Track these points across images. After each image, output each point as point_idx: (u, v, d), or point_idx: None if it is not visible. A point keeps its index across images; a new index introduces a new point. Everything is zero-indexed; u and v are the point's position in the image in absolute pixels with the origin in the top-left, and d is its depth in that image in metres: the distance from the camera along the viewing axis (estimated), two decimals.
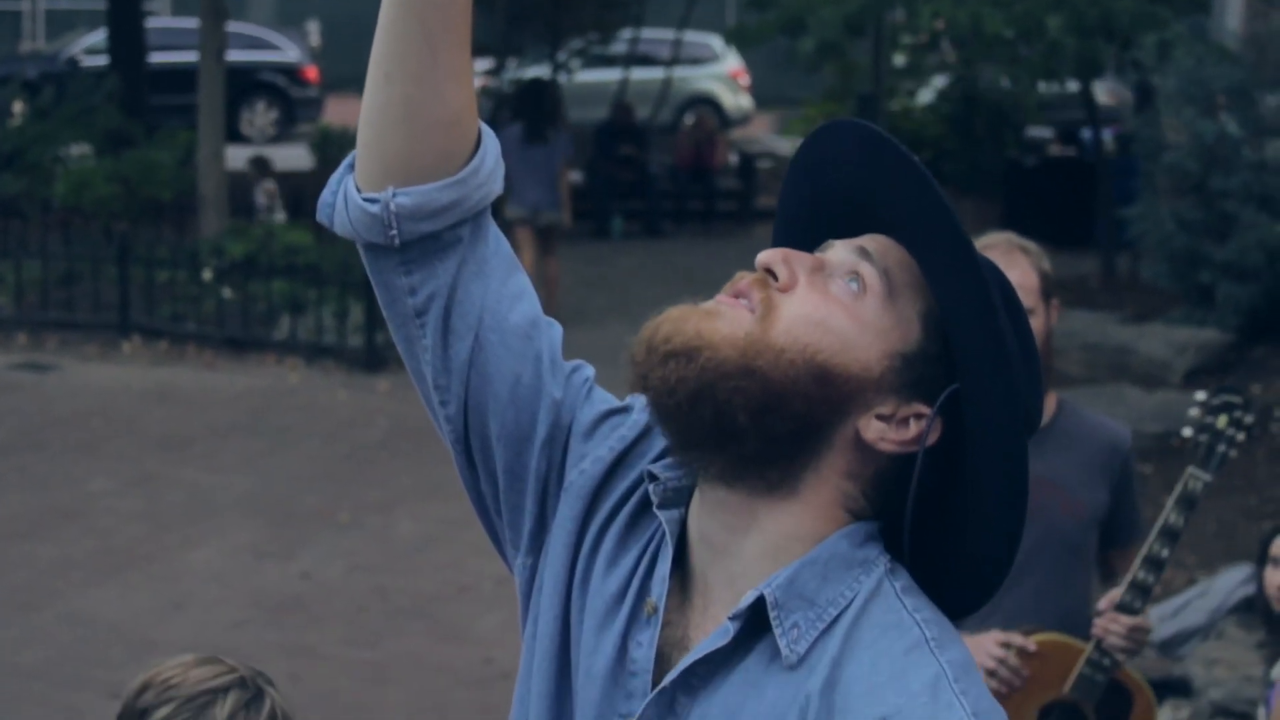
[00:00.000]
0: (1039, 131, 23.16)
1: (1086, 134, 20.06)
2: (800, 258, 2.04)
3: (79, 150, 19.71)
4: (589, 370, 2.27)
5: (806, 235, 2.14)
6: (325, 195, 2.19)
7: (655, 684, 2.02)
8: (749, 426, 1.97)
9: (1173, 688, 7.43)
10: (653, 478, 2.10)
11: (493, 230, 2.20)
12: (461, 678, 8.07)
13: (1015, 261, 4.39)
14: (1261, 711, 5.98)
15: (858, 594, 1.98)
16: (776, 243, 2.16)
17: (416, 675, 8.11)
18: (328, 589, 9.19)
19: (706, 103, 30.19)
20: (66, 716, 7.42)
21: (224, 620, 8.45)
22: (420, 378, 2.20)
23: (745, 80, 32.12)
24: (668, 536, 2.06)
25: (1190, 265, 13.23)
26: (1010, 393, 1.97)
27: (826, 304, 2.00)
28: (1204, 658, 7.58)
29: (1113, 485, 4.56)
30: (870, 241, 2.05)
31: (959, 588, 2.07)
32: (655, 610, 2.04)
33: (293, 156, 25.65)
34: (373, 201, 2.12)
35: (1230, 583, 8.35)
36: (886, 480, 2.03)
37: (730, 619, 1.98)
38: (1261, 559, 5.90)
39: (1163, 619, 8.13)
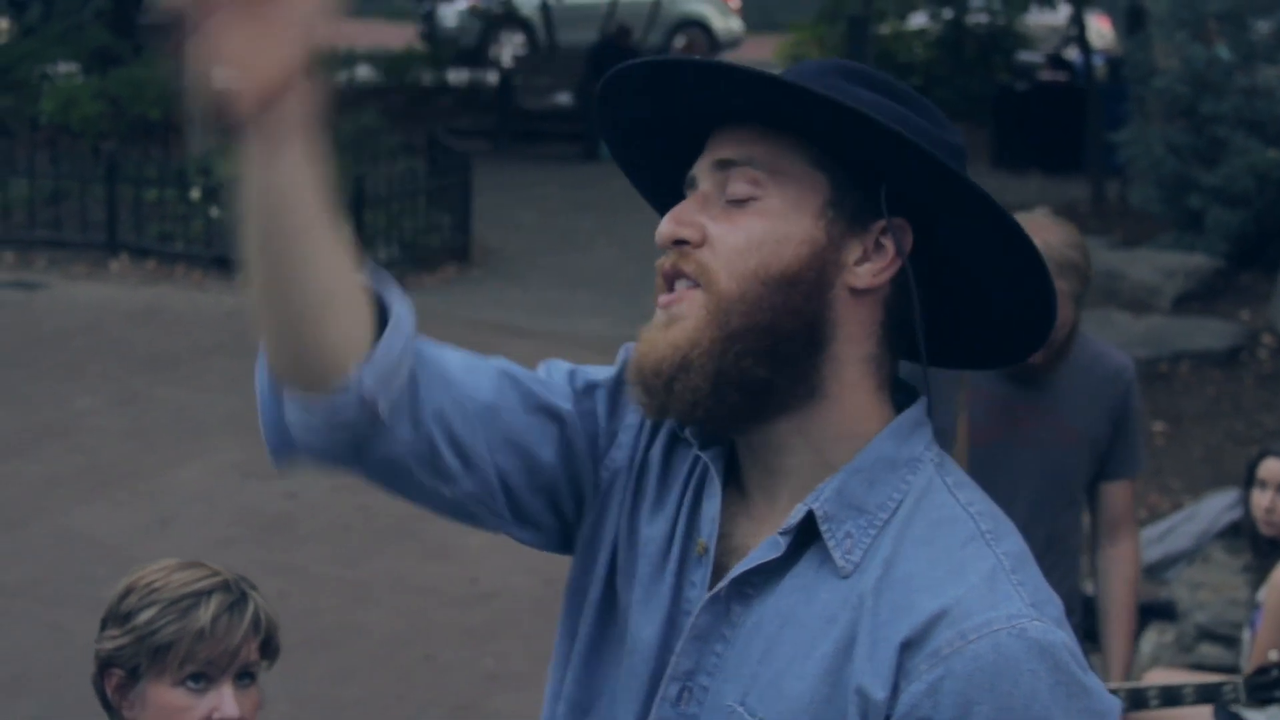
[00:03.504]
0: (1029, 56, 23.10)
1: (1077, 59, 20.01)
2: (688, 208, 2.02)
3: (66, 68, 19.63)
4: (561, 372, 2.18)
5: (662, 165, 2.14)
6: (270, 435, 2.08)
7: None
8: (770, 374, 1.97)
9: (1158, 611, 7.45)
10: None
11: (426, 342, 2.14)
12: (445, 597, 8.08)
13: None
14: (1246, 634, 6.01)
15: (907, 494, 1.98)
16: (645, 192, 2.17)
17: (400, 594, 8.12)
18: (313, 508, 9.19)
19: (696, 25, 30.12)
20: (52, 633, 7.42)
21: (209, 538, 8.45)
22: (462, 511, 2.15)
23: (735, 2, 32.01)
24: (714, 476, 2.06)
25: (1180, 190, 13.20)
26: (920, 150, 1.95)
27: (736, 227, 1.98)
28: (1189, 581, 7.61)
29: (1113, 415, 4.55)
30: (719, 149, 2.03)
31: (1012, 339, 2.09)
32: (706, 550, 2.03)
33: None
34: (343, 391, 2.01)
35: (1216, 507, 8.37)
36: (900, 318, 2.02)
37: (780, 534, 1.98)
38: (1248, 482, 5.92)
39: (1149, 543, 8.15)
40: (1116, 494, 4.66)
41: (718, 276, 1.97)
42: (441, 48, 26.88)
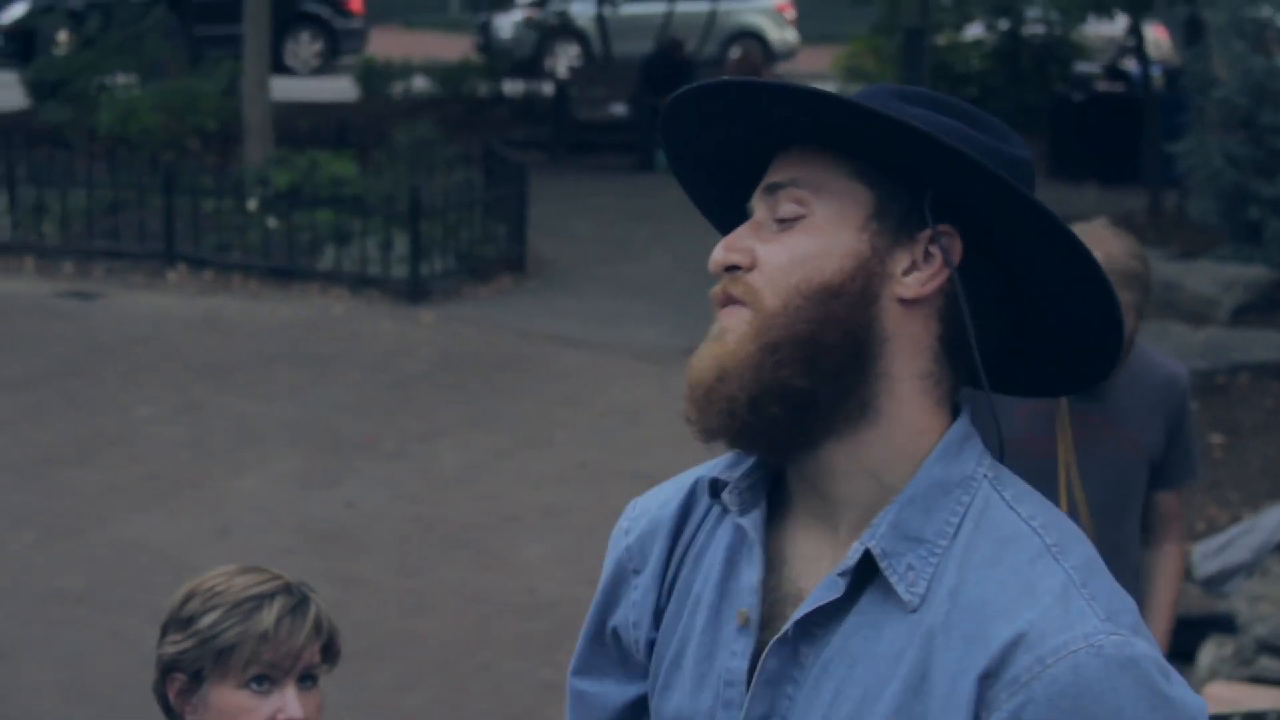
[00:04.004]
0: (1086, 67, 23.03)
1: (1134, 70, 19.94)
2: (740, 234, 2.04)
3: (124, 79, 19.74)
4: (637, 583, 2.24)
5: (726, 185, 2.16)
6: None
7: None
8: (811, 385, 1.96)
9: (1217, 624, 7.42)
10: (718, 486, 2.09)
11: None
12: (504, 607, 8.10)
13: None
14: None
15: (965, 516, 1.96)
16: (705, 209, 2.20)
17: (459, 604, 8.14)
18: (371, 518, 9.22)
19: (751, 36, 30.12)
20: (112, 641, 7.46)
21: (268, 547, 8.48)
22: None
23: (790, 14, 32.00)
24: (756, 545, 2.05)
25: (1238, 202, 13.14)
26: (967, 158, 1.95)
27: (782, 245, 2.00)
28: (1248, 594, 7.57)
29: (1169, 423, 4.53)
30: (769, 175, 2.05)
31: (1084, 360, 2.08)
32: (748, 621, 2.03)
33: (337, 89, 25.68)
34: None
35: (1275, 520, 8.33)
36: (958, 333, 2.00)
37: (839, 575, 1.97)
38: None
39: (1207, 556, 8.12)
40: (1167, 502, 4.64)
41: (763, 294, 1.98)
42: (497, 59, 26.94)
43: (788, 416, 1.96)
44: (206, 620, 3.05)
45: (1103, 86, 21.52)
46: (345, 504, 9.38)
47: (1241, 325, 12.12)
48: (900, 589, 1.94)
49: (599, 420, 10.94)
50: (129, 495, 9.44)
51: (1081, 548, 1.98)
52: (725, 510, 2.09)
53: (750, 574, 2.03)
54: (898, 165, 1.98)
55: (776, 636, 1.99)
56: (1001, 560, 1.93)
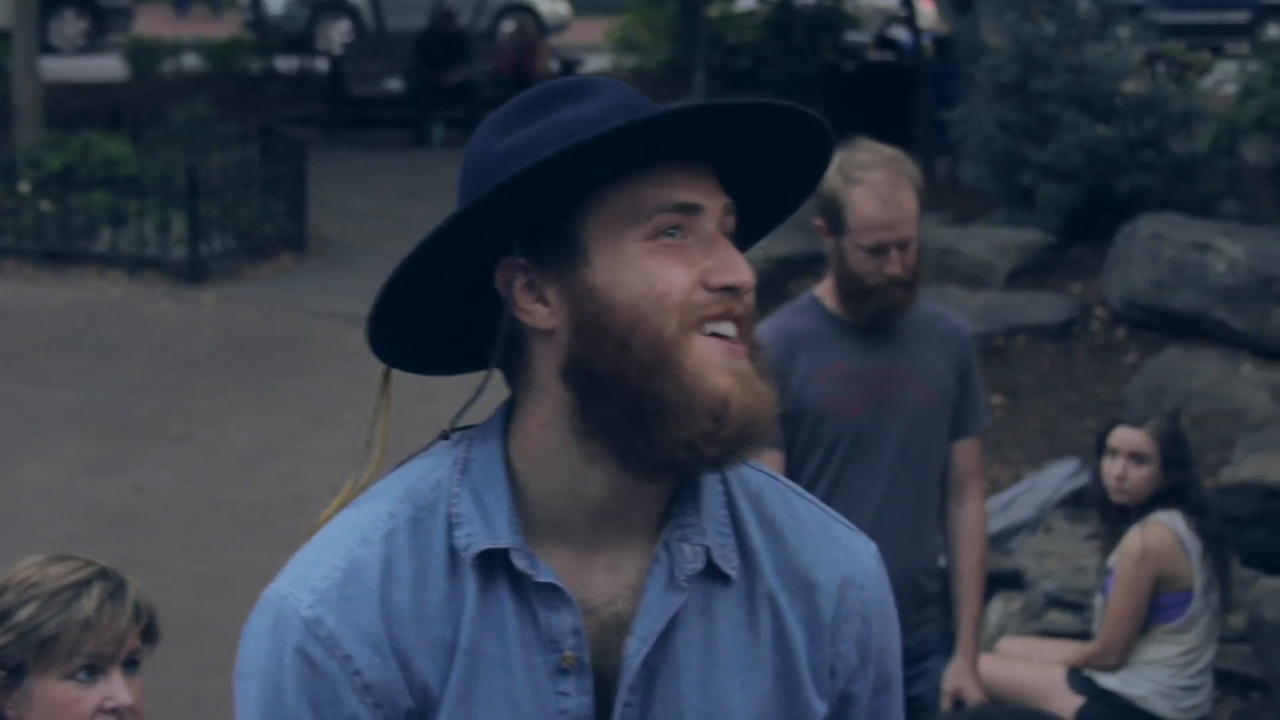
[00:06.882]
0: (857, 36, 23.29)
1: (905, 38, 20.21)
2: (735, 256, 2.00)
3: None
4: None
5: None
6: None
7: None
8: None
9: (1005, 581, 7.58)
10: (500, 554, 1.99)
11: None
12: None
13: (905, 193, 4.56)
14: (1099, 599, 6.14)
15: (728, 482, 2.05)
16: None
17: (255, 587, 7.97)
18: (161, 501, 9.12)
19: (523, 9, 30.04)
20: None
21: (57, 535, 8.37)
22: None
23: None
24: (562, 588, 1.97)
25: (1011, 167, 13.35)
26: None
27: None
28: (1035, 551, 7.74)
29: (958, 371, 4.62)
30: (720, 192, 2.07)
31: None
32: (575, 661, 1.98)
33: (105, 68, 25.26)
34: None
35: (1056, 478, 8.51)
36: None
37: (684, 581, 1.98)
38: (1099, 451, 6.04)
39: (991, 514, 8.27)
40: (966, 451, 4.72)
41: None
42: (269, 36, 26.65)
43: None
44: (24, 613, 2.99)
45: (873, 56, 21.77)
46: (133, 488, 9.27)
47: (1017, 288, 12.33)
48: (726, 567, 2.01)
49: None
50: None
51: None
52: (519, 574, 1.97)
53: (562, 620, 1.97)
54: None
55: (638, 657, 1.97)
56: (775, 514, 2.06)
